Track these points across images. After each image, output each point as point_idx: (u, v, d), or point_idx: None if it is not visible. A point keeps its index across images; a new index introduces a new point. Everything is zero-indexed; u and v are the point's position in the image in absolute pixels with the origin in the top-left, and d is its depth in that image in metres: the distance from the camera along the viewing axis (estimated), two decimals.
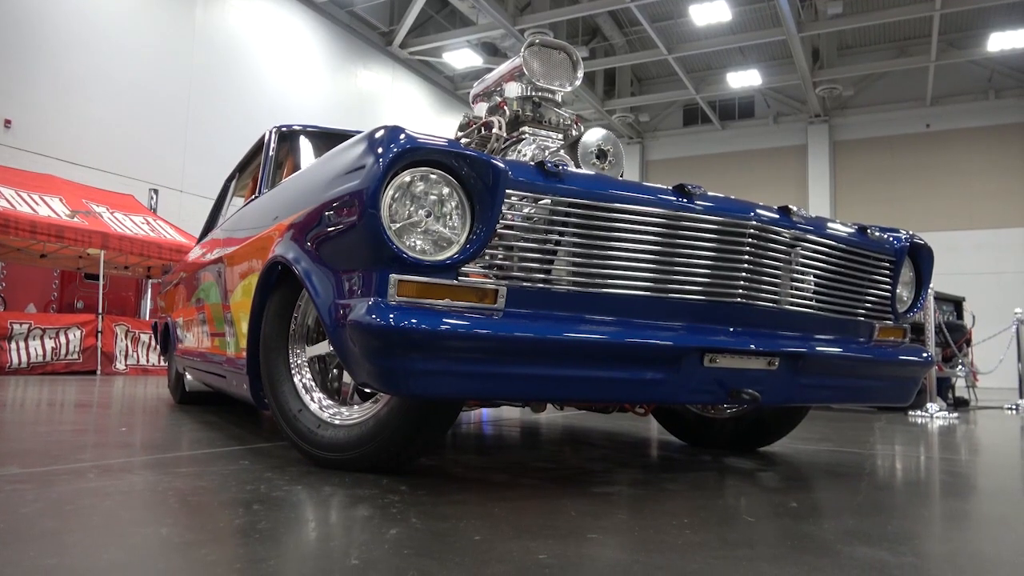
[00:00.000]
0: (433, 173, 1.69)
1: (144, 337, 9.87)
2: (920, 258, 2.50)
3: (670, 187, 1.95)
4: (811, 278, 2.17)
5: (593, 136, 2.40)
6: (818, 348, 2.10)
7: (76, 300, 11.36)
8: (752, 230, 1.99)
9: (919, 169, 18.58)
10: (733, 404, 1.96)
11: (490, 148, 2.65)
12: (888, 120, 19.00)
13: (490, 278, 1.72)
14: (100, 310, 9.52)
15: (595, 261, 1.81)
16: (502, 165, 1.69)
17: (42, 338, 9.11)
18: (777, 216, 2.09)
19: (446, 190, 1.69)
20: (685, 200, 1.92)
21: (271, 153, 3.25)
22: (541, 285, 1.75)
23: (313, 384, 2.16)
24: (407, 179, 1.67)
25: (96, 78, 11.89)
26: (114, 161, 11.99)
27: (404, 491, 1.75)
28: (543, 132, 2.65)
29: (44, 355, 9.13)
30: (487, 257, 1.72)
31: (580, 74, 2.77)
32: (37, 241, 9.15)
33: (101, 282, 9.76)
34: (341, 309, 1.72)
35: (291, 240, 2.03)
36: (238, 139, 13.73)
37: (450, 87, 19.06)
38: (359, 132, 3.68)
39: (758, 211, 2.03)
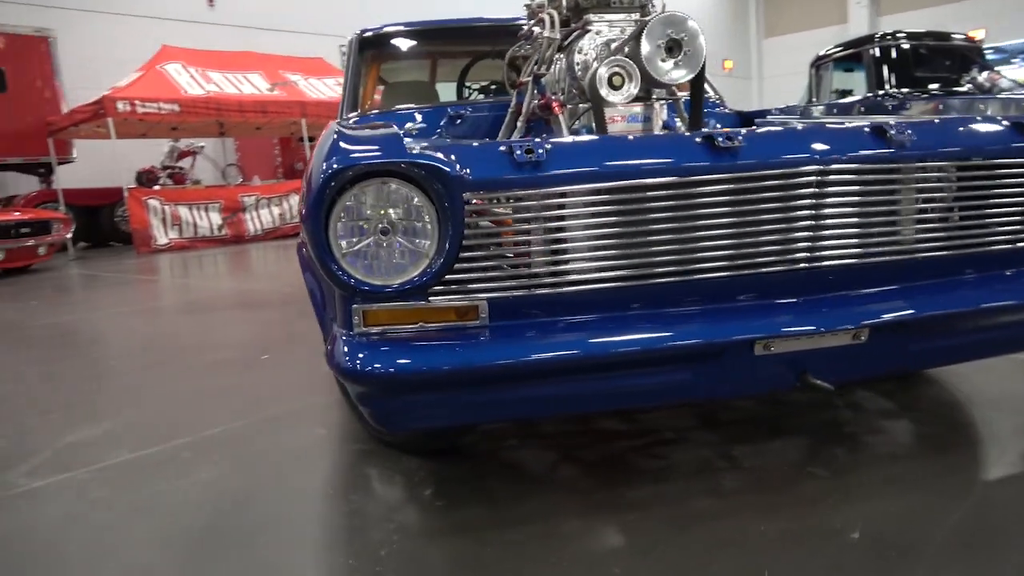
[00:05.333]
0: (385, 184, 1.45)
1: None
2: None
3: (697, 137, 1.51)
4: (920, 215, 1.64)
5: (658, 27, 1.91)
6: (915, 310, 1.60)
7: (296, 162, 12.36)
8: (814, 176, 1.51)
9: None
10: (805, 391, 1.60)
11: (543, 54, 2.30)
12: None
13: (468, 292, 1.49)
14: None
15: (599, 253, 1.48)
16: (454, 170, 1.41)
17: (269, 206, 10.15)
18: (871, 141, 1.56)
19: (405, 202, 1.45)
20: (715, 157, 1.49)
21: (351, 67, 3.07)
22: (524, 292, 1.49)
23: None
24: (354, 196, 1.44)
25: None
26: (304, 21, 12.45)
27: (440, 507, 1.70)
28: (610, 17, 2.21)
29: (274, 221, 10.21)
30: (461, 270, 1.48)
31: None
32: (246, 118, 9.94)
33: (307, 144, 10.45)
34: (327, 327, 1.63)
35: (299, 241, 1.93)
36: None
37: None
38: (446, 21, 3.38)
39: (822, 148, 1.53)
